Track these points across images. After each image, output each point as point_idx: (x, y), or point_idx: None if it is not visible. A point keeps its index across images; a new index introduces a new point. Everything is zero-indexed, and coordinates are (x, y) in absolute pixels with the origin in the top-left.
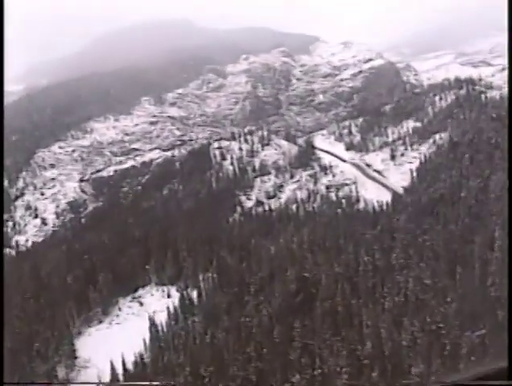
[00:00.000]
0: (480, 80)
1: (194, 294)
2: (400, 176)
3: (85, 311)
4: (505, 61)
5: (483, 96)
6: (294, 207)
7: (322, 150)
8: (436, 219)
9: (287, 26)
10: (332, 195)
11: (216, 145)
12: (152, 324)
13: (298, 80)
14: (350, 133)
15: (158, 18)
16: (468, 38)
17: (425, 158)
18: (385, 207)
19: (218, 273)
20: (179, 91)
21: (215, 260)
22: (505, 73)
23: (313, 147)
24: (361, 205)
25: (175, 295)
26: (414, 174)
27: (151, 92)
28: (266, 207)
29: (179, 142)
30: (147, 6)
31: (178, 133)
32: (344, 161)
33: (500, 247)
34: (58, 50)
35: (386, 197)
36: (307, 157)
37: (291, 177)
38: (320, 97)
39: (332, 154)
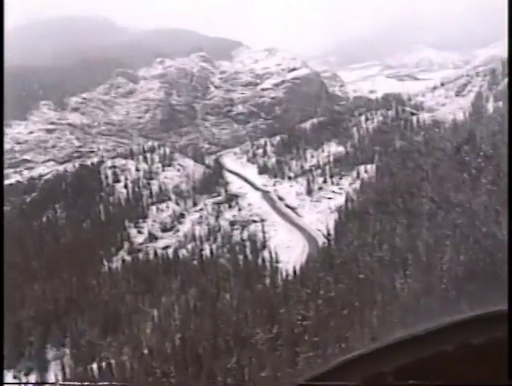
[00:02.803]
0: (409, 99)
1: None
2: (317, 216)
3: None
4: (430, 76)
5: (414, 118)
6: (190, 246)
7: (232, 172)
8: (359, 315)
9: (209, 28)
10: (236, 235)
11: (109, 163)
12: None
13: (216, 87)
14: (265, 153)
15: (76, 14)
16: (394, 50)
17: (346, 198)
18: (291, 277)
19: (72, 355)
20: (84, 95)
21: (69, 335)
22: (436, 93)
23: (222, 167)
24: (266, 254)
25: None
26: (333, 220)
27: (52, 96)
28: (160, 244)
29: (76, 154)
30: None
31: (77, 143)
32: (257, 189)
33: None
34: None
35: (299, 246)
36: (214, 180)
37: (194, 204)
38: (239, 108)
39: (242, 178)
